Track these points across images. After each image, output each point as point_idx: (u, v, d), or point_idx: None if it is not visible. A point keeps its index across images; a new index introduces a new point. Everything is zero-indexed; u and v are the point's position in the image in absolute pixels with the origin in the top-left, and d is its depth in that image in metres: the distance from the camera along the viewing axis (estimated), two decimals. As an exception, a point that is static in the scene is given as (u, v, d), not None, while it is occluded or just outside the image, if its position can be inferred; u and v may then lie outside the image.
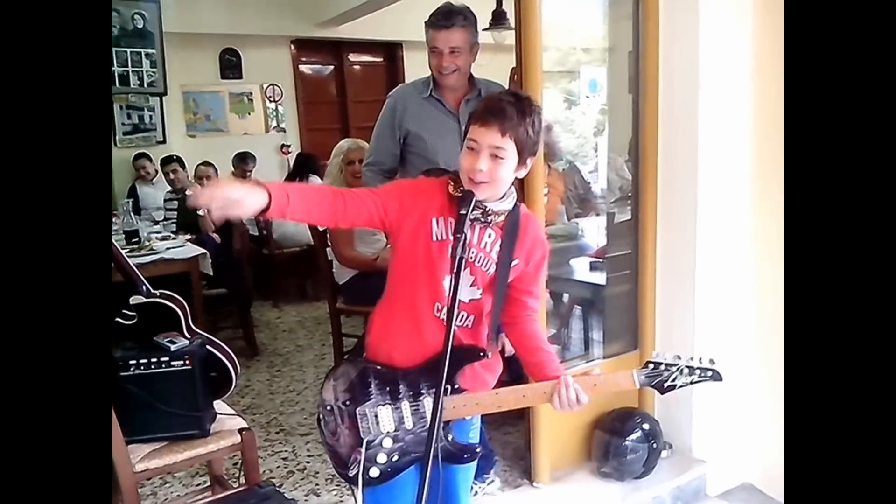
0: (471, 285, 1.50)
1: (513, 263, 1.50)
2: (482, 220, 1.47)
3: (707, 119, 2.40)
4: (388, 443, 1.52)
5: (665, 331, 2.62)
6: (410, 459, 1.51)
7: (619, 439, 2.48)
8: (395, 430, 1.51)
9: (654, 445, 2.51)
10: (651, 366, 1.43)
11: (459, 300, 1.46)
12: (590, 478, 2.57)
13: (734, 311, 2.56)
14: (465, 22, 2.26)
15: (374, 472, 1.52)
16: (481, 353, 1.51)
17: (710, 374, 1.43)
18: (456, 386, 1.48)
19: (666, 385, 1.42)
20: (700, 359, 1.44)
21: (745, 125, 2.48)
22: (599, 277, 3.05)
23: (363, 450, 1.51)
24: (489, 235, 1.49)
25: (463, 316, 1.52)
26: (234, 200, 1.26)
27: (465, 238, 1.41)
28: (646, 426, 2.52)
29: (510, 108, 1.40)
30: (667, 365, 1.43)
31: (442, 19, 2.24)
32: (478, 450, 1.59)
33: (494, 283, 1.50)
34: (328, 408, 1.57)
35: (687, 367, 1.42)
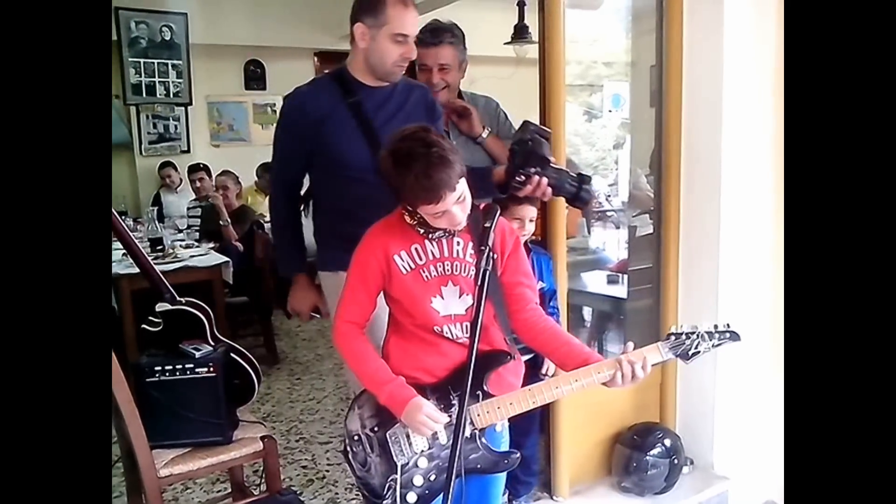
0: (459, 297, 1.52)
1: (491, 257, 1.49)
2: (446, 233, 1.50)
3: (730, 133, 2.40)
4: (423, 463, 1.50)
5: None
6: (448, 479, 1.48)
7: (639, 454, 2.46)
8: (429, 448, 1.50)
9: (676, 461, 2.48)
10: (672, 337, 1.46)
11: (455, 314, 1.51)
12: (610, 493, 2.55)
13: (758, 325, 2.53)
14: (454, 39, 2.21)
15: (412, 497, 1.49)
16: (508, 357, 1.51)
17: (728, 335, 1.46)
18: (486, 389, 1.48)
19: (690, 353, 1.45)
20: (716, 325, 1.47)
21: (769, 139, 2.46)
22: (621, 291, 3.04)
23: (399, 475, 1.48)
24: (458, 243, 1.52)
25: (467, 327, 1.51)
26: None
27: (490, 251, 1.43)
28: (667, 441, 2.49)
29: (440, 170, 1.35)
30: (687, 334, 1.46)
31: (430, 36, 2.19)
32: (515, 456, 1.56)
33: (475, 279, 1.48)
34: (355, 438, 1.55)
35: (706, 332, 1.45)
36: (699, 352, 1.45)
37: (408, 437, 1.50)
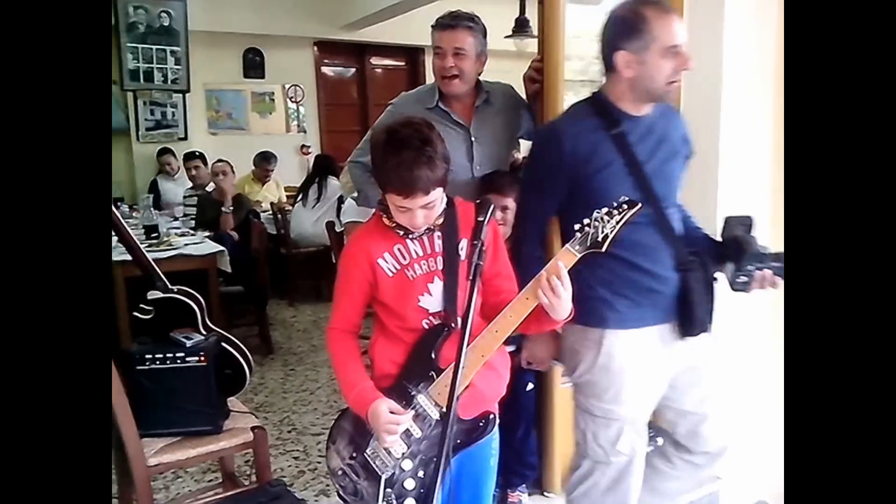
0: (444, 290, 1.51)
1: (460, 246, 1.50)
2: (426, 230, 1.50)
3: (729, 128, 2.38)
4: (408, 465, 1.49)
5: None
6: (436, 466, 1.44)
7: (631, 451, 2.45)
8: (408, 448, 1.49)
9: (667, 459, 2.48)
10: (578, 234, 1.41)
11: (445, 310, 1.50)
12: (600, 489, 2.54)
13: (753, 325, 2.53)
14: (472, 25, 2.17)
15: (410, 503, 1.49)
16: (447, 328, 1.48)
17: (627, 205, 1.41)
18: (438, 367, 1.47)
19: (600, 239, 1.40)
20: (612, 203, 1.42)
21: (768, 134, 2.45)
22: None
23: (391, 489, 1.48)
24: (438, 237, 1.52)
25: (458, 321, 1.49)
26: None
27: (482, 245, 1.42)
28: (659, 440, 2.49)
29: (423, 169, 1.37)
30: (586, 224, 1.41)
31: (448, 19, 2.18)
32: (491, 416, 1.53)
33: (467, 273, 1.45)
34: (339, 473, 1.56)
35: (605, 214, 1.40)
36: (608, 234, 1.39)
37: (385, 448, 1.49)
